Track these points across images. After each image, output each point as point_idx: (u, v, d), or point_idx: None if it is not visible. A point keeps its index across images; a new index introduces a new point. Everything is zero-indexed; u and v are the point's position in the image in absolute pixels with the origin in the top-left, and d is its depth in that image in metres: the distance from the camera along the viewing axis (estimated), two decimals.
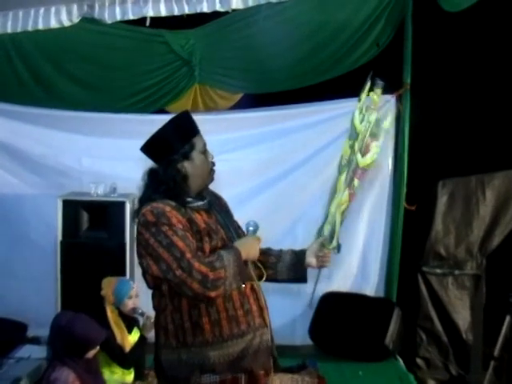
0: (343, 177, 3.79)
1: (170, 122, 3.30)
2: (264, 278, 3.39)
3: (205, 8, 5.80)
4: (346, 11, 5.96)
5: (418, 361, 6.06)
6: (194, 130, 3.31)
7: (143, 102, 6.24)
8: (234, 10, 5.87)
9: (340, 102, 6.00)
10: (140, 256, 3.19)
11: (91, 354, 4.00)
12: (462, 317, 6.03)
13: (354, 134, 3.86)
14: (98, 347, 4.04)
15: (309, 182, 6.06)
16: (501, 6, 5.54)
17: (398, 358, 5.75)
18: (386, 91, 5.88)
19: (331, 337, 5.80)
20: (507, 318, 5.56)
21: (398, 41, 5.90)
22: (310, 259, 3.54)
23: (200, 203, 3.28)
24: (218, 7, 5.81)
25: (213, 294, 3.06)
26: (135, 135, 5.97)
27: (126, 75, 6.22)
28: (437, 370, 6.06)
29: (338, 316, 5.84)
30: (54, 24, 5.80)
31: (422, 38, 5.80)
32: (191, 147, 3.27)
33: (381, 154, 5.88)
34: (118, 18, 5.83)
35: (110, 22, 5.86)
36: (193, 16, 5.87)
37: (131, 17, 5.81)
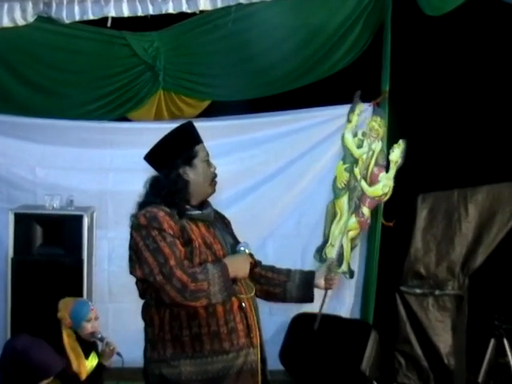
0: (343, 200, 3.94)
1: (173, 130, 3.53)
2: (252, 294, 3.48)
3: (170, 9, 5.78)
4: (321, 14, 5.99)
5: None
6: (196, 139, 3.53)
7: (103, 108, 6.19)
8: (201, 12, 5.86)
9: (314, 111, 6.03)
10: (130, 259, 3.35)
11: (45, 383, 3.94)
12: (444, 340, 6.02)
13: (350, 158, 4.00)
14: (52, 377, 3.98)
15: (281, 196, 6.08)
16: (483, 11, 5.61)
17: None
18: (362, 99, 5.99)
19: (303, 362, 5.75)
20: (492, 342, 5.61)
21: (376, 46, 5.92)
22: (319, 281, 3.71)
23: (197, 212, 3.43)
24: (185, 8, 5.80)
25: (192, 303, 3.22)
26: (94, 144, 6.07)
27: (85, 80, 6.16)
28: None
29: (311, 339, 5.81)
30: (6, 23, 5.73)
31: (401, 43, 5.84)
32: (194, 154, 3.47)
33: None
34: (77, 17, 5.79)
35: (67, 21, 5.81)
36: (157, 17, 5.85)
37: (91, 17, 5.78)
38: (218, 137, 5.97)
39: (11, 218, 5.48)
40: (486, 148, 5.99)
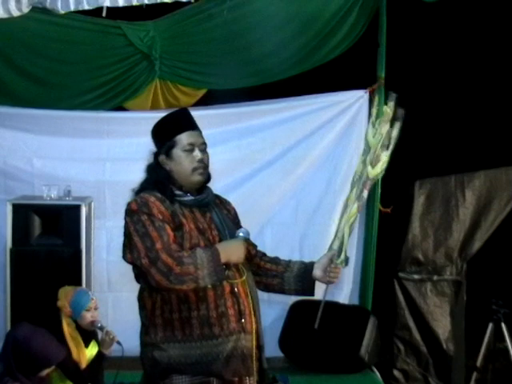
0: (354, 192, 3.91)
1: (163, 117, 3.54)
2: (243, 278, 3.44)
3: None
4: (316, 2, 5.99)
5: (396, 373, 6.10)
6: (179, 128, 3.47)
7: (99, 98, 6.20)
8: (196, 1, 5.86)
9: (310, 98, 6.08)
10: (123, 245, 3.39)
11: (46, 371, 3.99)
12: (442, 325, 6.08)
13: (367, 150, 3.97)
14: (54, 366, 4.02)
15: (278, 183, 6.12)
16: None
17: (375, 369, 5.77)
18: (358, 86, 6.01)
19: (303, 348, 5.79)
20: (490, 326, 5.65)
21: (371, 33, 5.94)
22: (318, 272, 3.64)
23: (189, 198, 3.45)
24: None
25: (178, 287, 3.24)
26: (91, 134, 6.09)
27: (81, 70, 6.17)
28: (416, 383, 6.11)
29: (310, 326, 5.83)
30: (1, 14, 5.66)
31: (397, 30, 5.84)
32: (173, 144, 3.44)
33: (353, 153, 6.00)
34: (72, 7, 5.75)
35: (63, 12, 5.78)
36: (153, 6, 5.84)
37: (86, 7, 5.74)
38: (215, 125, 6.00)
39: (9, 209, 5.48)
40: (483, 133, 6.02)
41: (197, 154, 3.46)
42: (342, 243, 3.74)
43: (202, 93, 6.31)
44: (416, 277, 6.11)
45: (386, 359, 6.08)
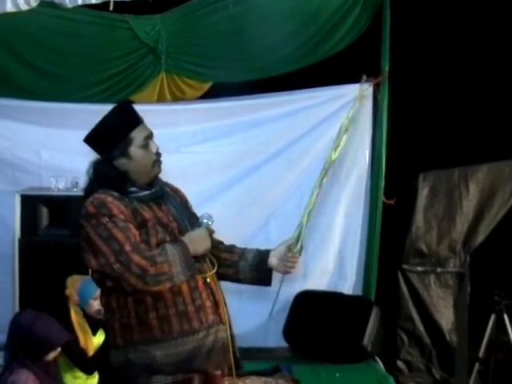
0: (318, 180, 3.88)
1: (107, 115, 3.39)
2: (214, 271, 3.38)
3: None
4: None
5: (399, 364, 6.19)
6: (130, 124, 3.37)
7: (106, 91, 6.27)
8: None
9: (315, 91, 6.14)
10: (81, 250, 3.25)
11: (52, 355, 4.06)
12: (446, 317, 6.16)
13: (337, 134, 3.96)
14: (59, 349, 4.10)
15: (282, 175, 6.18)
16: None
17: (378, 360, 5.83)
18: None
19: (306, 338, 5.88)
20: (492, 317, 5.70)
21: (375, 27, 6.00)
22: (273, 260, 3.55)
23: (145, 193, 3.35)
24: None
25: (154, 288, 3.14)
26: None
27: (88, 63, 6.24)
28: (419, 374, 6.19)
29: (314, 316, 5.92)
30: (10, 8, 5.77)
31: (400, 23, 5.91)
32: (128, 143, 3.34)
33: (357, 146, 6.08)
34: (80, 2, 5.85)
35: (70, 6, 5.88)
36: (159, 0, 5.93)
37: (93, 1, 5.83)
38: (220, 117, 6.10)
39: (18, 200, 5.55)
40: (486, 126, 6.08)
41: (152, 146, 3.39)
42: (300, 232, 3.66)
43: (207, 86, 6.36)
44: (419, 268, 6.19)
45: (389, 350, 6.15)
